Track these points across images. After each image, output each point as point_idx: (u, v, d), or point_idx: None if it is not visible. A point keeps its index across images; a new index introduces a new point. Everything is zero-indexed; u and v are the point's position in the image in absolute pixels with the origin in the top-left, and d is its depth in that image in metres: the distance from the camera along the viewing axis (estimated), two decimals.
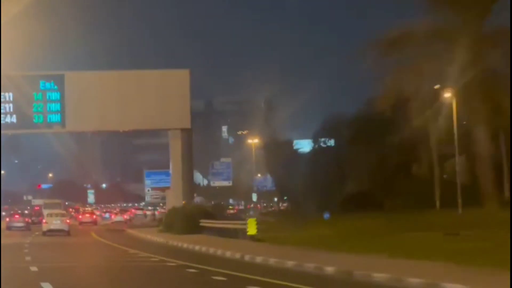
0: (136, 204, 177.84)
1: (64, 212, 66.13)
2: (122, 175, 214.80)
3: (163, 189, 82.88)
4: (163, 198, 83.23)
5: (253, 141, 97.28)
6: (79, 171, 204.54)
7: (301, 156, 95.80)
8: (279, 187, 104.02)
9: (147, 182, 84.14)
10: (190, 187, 65.00)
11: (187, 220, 50.13)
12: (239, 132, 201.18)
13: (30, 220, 72.41)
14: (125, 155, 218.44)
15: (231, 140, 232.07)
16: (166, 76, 64.19)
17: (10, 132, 63.38)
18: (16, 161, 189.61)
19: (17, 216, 71.66)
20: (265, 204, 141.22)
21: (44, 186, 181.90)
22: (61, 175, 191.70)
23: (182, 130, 64.14)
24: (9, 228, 65.87)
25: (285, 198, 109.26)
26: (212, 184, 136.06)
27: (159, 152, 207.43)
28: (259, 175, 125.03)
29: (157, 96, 62.80)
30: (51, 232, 55.01)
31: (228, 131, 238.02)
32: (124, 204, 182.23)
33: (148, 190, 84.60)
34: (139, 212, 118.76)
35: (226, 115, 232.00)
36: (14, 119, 61.90)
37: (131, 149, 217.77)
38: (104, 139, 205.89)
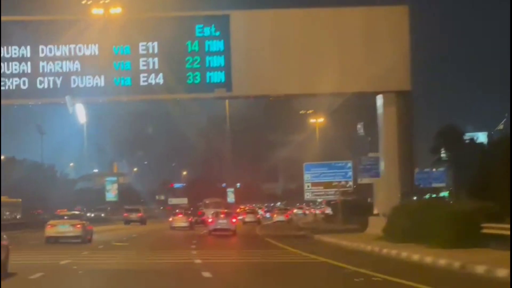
0: (278, 204, 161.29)
1: (229, 211, 61.46)
2: (256, 174, 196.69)
3: (326, 184, 68.39)
4: (330, 193, 69.06)
5: None
6: (212, 169, 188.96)
7: (478, 148, 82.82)
8: (456, 182, 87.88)
9: (307, 176, 64.35)
10: (411, 175, 44.21)
11: (458, 225, 28.56)
12: None
13: (193, 220, 69.75)
14: (259, 152, 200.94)
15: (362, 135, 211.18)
16: (375, 14, 42.88)
17: (157, 97, 43.39)
18: (145, 162, 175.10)
19: (180, 215, 68.73)
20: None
21: (176, 185, 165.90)
22: (194, 173, 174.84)
23: (398, 93, 43.15)
24: (172, 228, 64.59)
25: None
26: (359, 181, 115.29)
27: (294, 149, 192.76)
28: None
29: (360, 45, 41.97)
30: (216, 231, 53.09)
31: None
32: (266, 204, 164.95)
33: (308, 186, 64.28)
34: (298, 211, 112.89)
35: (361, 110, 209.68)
36: (160, 79, 42.17)
37: (265, 146, 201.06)
38: (238, 135, 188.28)
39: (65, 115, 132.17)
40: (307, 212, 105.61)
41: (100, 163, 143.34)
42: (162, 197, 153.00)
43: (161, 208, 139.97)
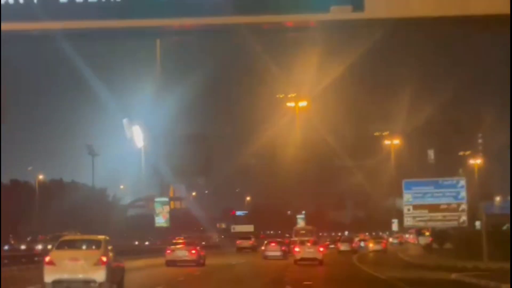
0: (345, 233, 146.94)
1: (317, 239, 59.38)
2: (322, 201, 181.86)
3: (432, 207, 55.06)
4: (437, 218, 52.37)
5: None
6: (276, 196, 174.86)
7: None
8: None
9: (407, 197, 48.88)
10: None
11: None
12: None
13: (286, 249, 64.95)
14: (325, 178, 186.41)
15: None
16: None
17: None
18: (206, 191, 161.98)
19: (273, 244, 65.37)
20: None
21: (238, 212, 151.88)
22: (258, 200, 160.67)
23: None
24: (265, 257, 61.99)
25: None
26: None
27: (364, 175, 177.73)
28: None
29: None
30: (302, 260, 50.73)
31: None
32: (340, 233, 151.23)
33: (409, 210, 48.58)
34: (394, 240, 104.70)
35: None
36: None
37: (330, 173, 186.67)
38: (303, 161, 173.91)
39: (119, 135, 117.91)
40: (409, 239, 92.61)
41: (155, 186, 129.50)
42: (223, 225, 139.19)
43: (222, 236, 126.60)
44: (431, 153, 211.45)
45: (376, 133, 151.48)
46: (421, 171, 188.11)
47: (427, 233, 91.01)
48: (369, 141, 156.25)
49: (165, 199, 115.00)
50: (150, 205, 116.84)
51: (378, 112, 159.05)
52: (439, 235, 61.94)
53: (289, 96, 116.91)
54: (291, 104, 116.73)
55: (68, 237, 31.73)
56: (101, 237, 27.13)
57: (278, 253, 63.01)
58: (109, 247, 26.53)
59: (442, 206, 52.37)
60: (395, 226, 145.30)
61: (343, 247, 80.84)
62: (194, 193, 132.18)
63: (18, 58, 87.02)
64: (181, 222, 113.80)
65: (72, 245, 26.85)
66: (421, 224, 55.89)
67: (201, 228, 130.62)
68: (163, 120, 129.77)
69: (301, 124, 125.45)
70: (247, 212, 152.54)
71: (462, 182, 52.89)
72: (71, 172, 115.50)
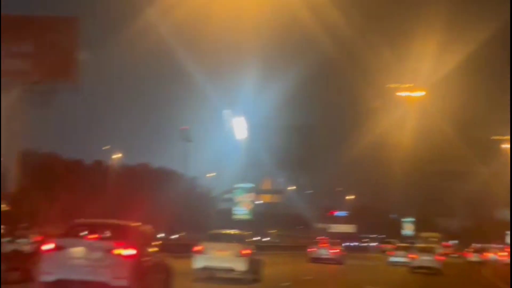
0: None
1: (435, 246, 55.40)
2: (429, 207, 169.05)
3: None
4: None
5: None
6: (380, 198, 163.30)
7: None
8: None
9: None
10: None
11: None
12: None
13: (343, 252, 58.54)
14: (433, 184, 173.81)
15: None
16: None
17: None
18: (310, 191, 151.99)
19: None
20: None
21: (338, 213, 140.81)
22: (360, 201, 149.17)
23: None
24: (314, 260, 54.48)
25: None
26: None
27: (471, 182, 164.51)
28: None
29: None
30: (418, 268, 47.27)
31: None
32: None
33: None
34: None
35: None
36: None
37: (440, 177, 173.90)
38: (412, 164, 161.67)
39: (216, 126, 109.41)
40: None
41: (252, 178, 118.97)
42: (320, 225, 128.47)
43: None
44: None
45: (495, 137, 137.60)
46: None
47: None
48: (486, 145, 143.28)
49: (249, 185, 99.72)
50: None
51: (499, 114, 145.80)
52: None
53: (403, 86, 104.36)
54: (404, 94, 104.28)
55: (215, 231, 32.94)
56: (245, 232, 32.14)
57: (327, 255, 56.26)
58: (250, 242, 31.42)
59: None
60: (509, 239, 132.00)
61: (473, 257, 77.48)
62: (292, 187, 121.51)
63: None
64: (271, 217, 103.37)
65: (218, 238, 30.39)
66: None
67: (298, 227, 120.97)
68: (264, 109, 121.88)
69: (414, 119, 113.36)
70: (347, 213, 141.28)
71: None
72: (159, 158, 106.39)
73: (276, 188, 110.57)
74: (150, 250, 18.97)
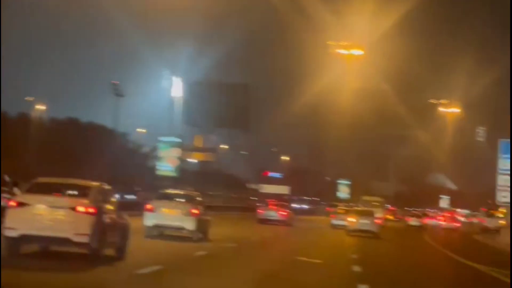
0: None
1: (374, 210, 52.31)
2: (364, 170, 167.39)
3: None
4: None
5: None
6: (315, 161, 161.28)
7: None
8: None
9: (503, 163, 33.20)
10: None
11: None
12: None
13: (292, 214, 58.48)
14: (369, 148, 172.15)
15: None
16: None
17: None
18: (246, 153, 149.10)
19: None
20: None
21: (272, 174, 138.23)
22: (294, 162, 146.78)
23: None
24: (262, 221, 54.66)
25: None
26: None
27: (407, 146, 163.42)
28: None
29: None
30: (356, 232, 46.48)
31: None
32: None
33: (506, 181, 33.24)
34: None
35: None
36: None
37: (376, 140, 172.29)
38: (347, 127, 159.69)
39: (151, 81, 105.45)
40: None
41: (185, 136, 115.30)
42: (254, 186, 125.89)
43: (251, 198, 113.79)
44: (481, 131, 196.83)
45: (433, 101, 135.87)
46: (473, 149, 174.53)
47: (499, 214, 78.37)
48: (423, 109, 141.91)
49: (175, 139, 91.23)
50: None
51: (437, 77, 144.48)
52: None
53: (342, 43, 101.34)
54: (343, 51, 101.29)
55: (167, 190, 34.42)
56: (194, 192, 32.59)
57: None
58: (200, 202, 30.70)
59: None
60: (444, 203, 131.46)
61: (413, 221, 77.93)
62: (225, 146, 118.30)
63: None
64: (200, 176, 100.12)
65: (169, 197, 31.08)
66: None
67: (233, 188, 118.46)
68: (202, 68, 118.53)
69: (352, 78, 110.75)
70: (282, 174, 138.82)
71: None
72: (88, 113, 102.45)
73: (209, 147, 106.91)
74: (109, 208, 19.70)
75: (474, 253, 38.38)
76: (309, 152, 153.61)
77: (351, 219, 48.57)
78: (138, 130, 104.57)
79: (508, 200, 40.55)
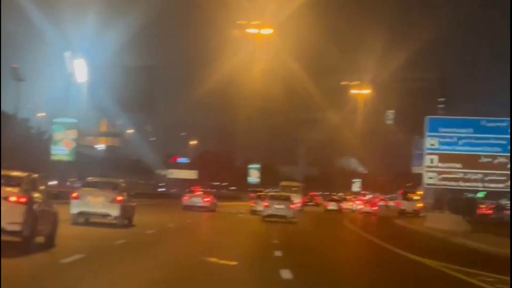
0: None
1: (290, 195, 51.67)
2: (274, 155, 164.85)
3: (468, 159, 31.46)
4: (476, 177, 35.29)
5: None
6: (224, 145, 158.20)
7: None
8: None
9: (432, 141, 30.56)
10: None
11: None
12: None
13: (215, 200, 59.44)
14: (277, 131, 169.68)
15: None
16: None
17: None
18: (153, 138, 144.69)
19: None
20: None
21: (181, 159, 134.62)
22: (203, 147, 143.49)
23: None
24: (187, 208, 55.51)
25: None
26: (414, 170, 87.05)
27: (317, 130, 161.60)
28: None
29: None
30: (270, 217, 45.80)
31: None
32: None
33: (432, 161, 30.28)
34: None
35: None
36: None
37: (284, 124, 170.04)
38: (256, 111, 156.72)
39: (55, 64, 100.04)
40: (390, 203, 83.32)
41: (92, 120, 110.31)
42: (162, 172, 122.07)
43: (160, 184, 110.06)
44: (390, 114, 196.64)
45: (344, 83, 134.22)
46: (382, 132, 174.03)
47: (416, 197, 76.69)
48: (334, 91, 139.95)
49: (71, 120, 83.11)
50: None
51: (349, 59, 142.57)
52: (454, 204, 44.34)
53: (252, 23, 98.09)
54: (252, 31, 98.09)
55: (92, 178, 34.11)
56: (119, 180, 33.56)
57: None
58: (124, 188, 31.80)
59: (484, 160, 35.92)
60: (356, 187, 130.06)
61: (330, 206, 78.33)
62: (130, 131, 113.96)
63: None
64: (108, 162, 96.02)
65: (94, 185, 31.84)
66: (452, 183, 38.45)
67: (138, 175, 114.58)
68: (107, 51, 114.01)
69: (263, 59, 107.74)
70: (189, 159, 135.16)
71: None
72: None
73: (115, 131, 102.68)
74: (38, 197, 19.94)
75: (394, 235, 35.99)
76: (219, 136, 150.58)
77: (266, 204, 47.72)
78: (38, 115, 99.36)
79: (434, 181, 37.92)
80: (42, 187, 20.84)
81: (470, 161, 36.74)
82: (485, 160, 36.53)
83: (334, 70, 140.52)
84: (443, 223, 36.97)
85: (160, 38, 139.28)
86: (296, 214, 48.40)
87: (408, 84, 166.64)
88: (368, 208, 79.37)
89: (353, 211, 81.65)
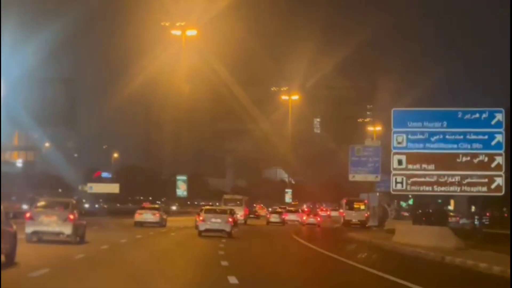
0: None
1: (228, 209, 50.69)
2: (201, 167, 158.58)
3: (443, 158, 25.40)
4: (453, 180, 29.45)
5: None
6: (148, 158, 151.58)
7: None
8: None
9: (399, 138, 25.55)
10: None
11: None
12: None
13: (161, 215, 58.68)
14: (204, 142, 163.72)
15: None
16: None
17: None
18: (75, 154, 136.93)
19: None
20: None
21: (105, 174, 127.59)
22: (127, 160, 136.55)
23: None
24: (139, 224, 55.91)
25: None
26: (351, 178, 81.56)
27: (244, 140, 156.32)
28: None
29: None
30: (207, 232, 43.60)
31: None
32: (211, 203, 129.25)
33: (400, 163, 24.63)
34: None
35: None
36: None
37: (211, 135, 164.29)
38: (181, 123, 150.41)
39: None
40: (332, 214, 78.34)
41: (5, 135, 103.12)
42: (86, 188, 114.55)
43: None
44: (316, 122, 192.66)
45: (274, 88, 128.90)
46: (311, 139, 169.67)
47: (362, 206, 71.45)
48: (263, 98, 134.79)
49: None
50: None
51: (277, 65, 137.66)
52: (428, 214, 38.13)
53: (177, 24, 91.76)
54: (176, 32, 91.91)
55: (44, 198, 37.53)
56: (70, 200, 34.69)
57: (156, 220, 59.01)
58: (75, 207, 32.62)
59: (463, 159, 30.51)
60: (288, 197, 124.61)
61: (273, 218, 75.60)
62: (47, 144, 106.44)
63: None
64: (23, 179, 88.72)
65: (47, 205, 32.60)
66: (425, 188, 32.51)
67: (60, 190, 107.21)
68: (26, 63, 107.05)
69: (188, 63, 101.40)
70: (110, 174, 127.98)
71: (499, 116, 31.02)
72: None
73: (30, 145, 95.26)
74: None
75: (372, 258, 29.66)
76: (144, 149, 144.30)
77: (201, 218, 44.98)
78: None
79: (402, 187, 32.10)
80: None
81: (445, 161, 31.16)
82: (464, 159, 31.05)
83: (262, 75, 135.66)
84: (424, 237, 31.02)
85: (81, 47, 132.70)
86: (232, 228, 45.71)
87: (337, 91, 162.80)
88: (312, 220, 74.92)
89: (295, 222, 76.70)
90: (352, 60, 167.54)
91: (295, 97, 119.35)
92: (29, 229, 30.93)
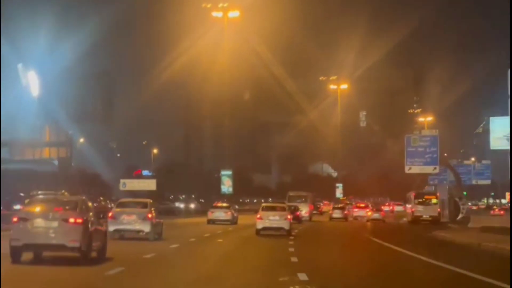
0: (269, 199, 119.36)
1: (289, 205, 51.93)
2: (244, 162, 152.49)
3: None
4: None
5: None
6: (189, 153, 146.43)
7: None
8: None
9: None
10: None
11: None
12: None
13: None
14: (249, 136, 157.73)
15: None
16: None
17: None
18: (114, 146, 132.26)
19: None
20: None
21: (145, 172, 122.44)
22: (167, 156, 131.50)
23: None
24: (211, 222, 58.00)
25: None
26: (407, 170, 76.81)
27: (290, 133, 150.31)
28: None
29: None
30: (265, 230, 42.44)
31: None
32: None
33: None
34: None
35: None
36: None
37: (255, 127, 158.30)
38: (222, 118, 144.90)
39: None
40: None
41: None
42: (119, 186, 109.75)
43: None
44: (362, 116, 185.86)
45: (323, 78, 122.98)
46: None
47: (434, 200, 65.91)
48: (312, 88, 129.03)
49: None
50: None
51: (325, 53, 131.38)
52: None
53: (219, 6, 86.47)
54: (218, 14, 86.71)
55: (124, 199, 39.64)
56: (148, 200, 37.42)
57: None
58: (153, 207, 35.76)
59: None
60: (339, 192, 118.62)
61: (335, 214, 76.41)
62: (81, 140, 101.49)
63: None
64: (58, 177, 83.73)
65: (127, 205, 36.07)
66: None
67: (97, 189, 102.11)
68: (62, 61, 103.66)
69: (229, 44, 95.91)
70: (152, 171, 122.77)
71: None
72: None
73: (63, 140, 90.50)
74: (91, 216, 23.47)
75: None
76: (183, 143, 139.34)
77: (259, 216, 43.18)
78: None
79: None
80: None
81: None
82: None
83: (309, 63, 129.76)
84: None
85: (119, 38, 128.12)
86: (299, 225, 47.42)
87: (385, 82, 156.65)
88: (377, 215, 73.34)
89: (360, 217, 76.83)
90: (400, 49, 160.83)
91: (344, 86, 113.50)
92: (111, 228, 33.72)
